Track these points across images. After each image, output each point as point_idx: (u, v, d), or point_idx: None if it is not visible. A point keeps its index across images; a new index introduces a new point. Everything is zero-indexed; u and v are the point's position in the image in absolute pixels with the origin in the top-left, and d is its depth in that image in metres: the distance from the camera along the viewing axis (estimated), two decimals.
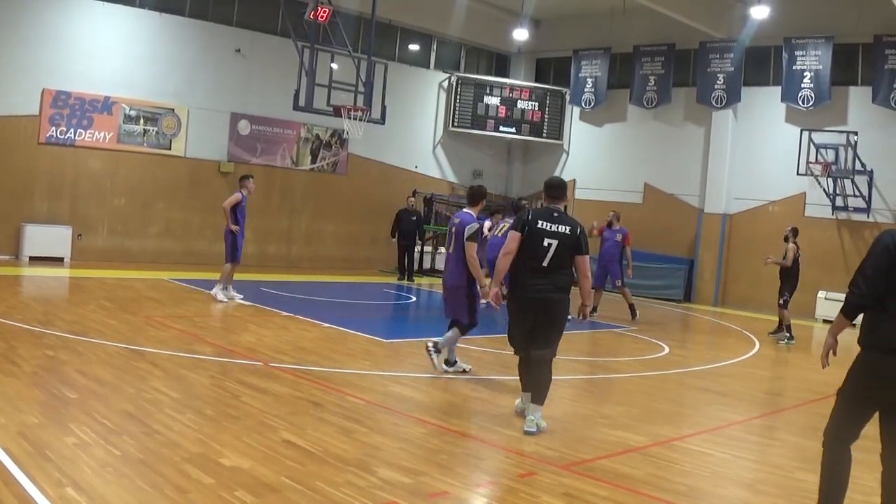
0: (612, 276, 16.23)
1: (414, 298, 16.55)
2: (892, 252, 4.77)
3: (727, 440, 7.57)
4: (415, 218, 20.20)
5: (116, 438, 5.89)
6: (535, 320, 7.41)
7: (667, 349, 13.07)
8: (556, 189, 7.66)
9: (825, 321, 18.67)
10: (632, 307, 16.07)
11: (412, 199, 21.35)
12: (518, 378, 7.90)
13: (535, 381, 7.41)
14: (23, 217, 17.10)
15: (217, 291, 13.81)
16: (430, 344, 9.53)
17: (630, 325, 15.37)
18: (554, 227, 7.33)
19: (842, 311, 4.98)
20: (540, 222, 7.35)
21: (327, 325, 12.26)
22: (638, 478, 6.10)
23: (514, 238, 7.38)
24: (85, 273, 16.03)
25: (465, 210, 9.63)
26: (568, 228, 7.38)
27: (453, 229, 9.46)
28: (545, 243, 7.30)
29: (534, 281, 7.34)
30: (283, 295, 15.13)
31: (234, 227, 13.68)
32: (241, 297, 14.00)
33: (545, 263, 7.32)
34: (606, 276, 16.26)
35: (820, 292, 18.87)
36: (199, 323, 11.58)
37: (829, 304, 18.78)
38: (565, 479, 5.92)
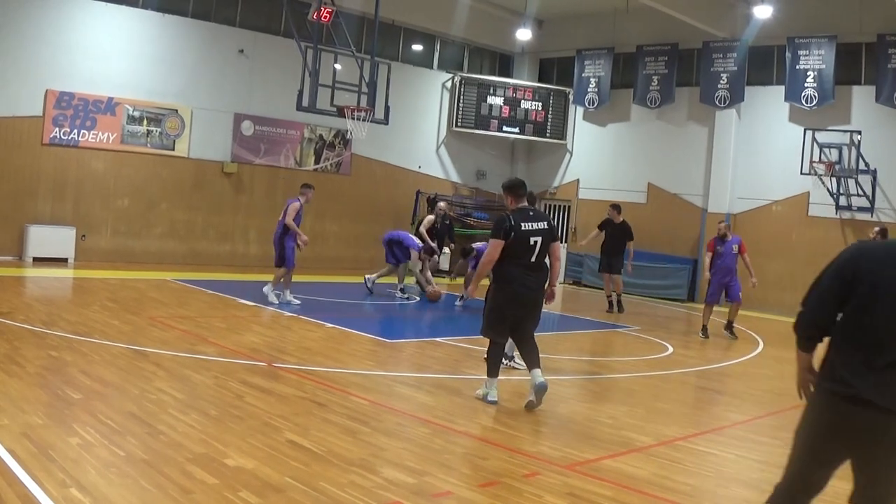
0: (732, 292, 14.64)
1: (417, 298, 16.53)
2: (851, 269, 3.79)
3: (731, 440, 7.57)
4: (448, 223, 18.69)
5: (120, 439, 5.90)
6: (525, 312, 8.08)
7: (670, 349, 13.06)
8: (523, 188, 8.29)
9: None
10: (730, 324, 14.91)
11: (443, 204, 18.76)
12: (488, 366, 8.23)
13: (533, 353, 8.11)
14: (26, 218, 17.11)
15: (273, 295, 13.99)
16: (505, 361, 10.08)
17: (632, 326, 15.35)
18: (535, 226, 8.00)
19: (797, 345, 4.00)
20: (523, 224, 7.93)
21: (331, 325, 12.27)
22: (642, 478, 6.10)
23: (497, 246, 7.89)
24: (88, 274, 16.05)
25: None
26: (545, 223, 8.13)
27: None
28: (531, 242, 7.93)
29: (525, 277, 7.97)
30: None
31: (304, 239, 13.97)
32: (278, 301, 14.02)
33: (534, 259, 7.96)
34: (723, 291, 14.64)
35: None
36: (203, 323, 11.58)
37: None
38: (569, 479, 5.92)
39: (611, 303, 17.44)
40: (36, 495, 4.69)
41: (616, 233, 17.48)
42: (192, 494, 4.96)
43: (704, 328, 14.74)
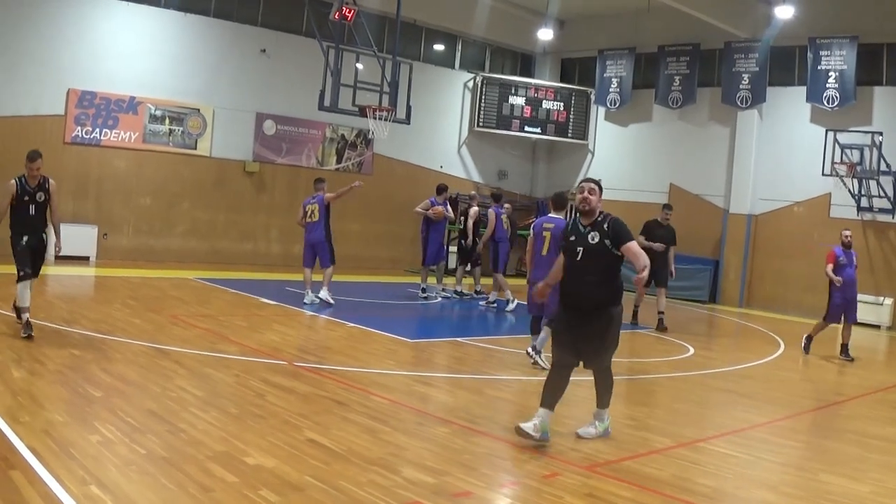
0: (852, 311, 13.16)
1: (438, 299, 16.49)
2: None
3: (751, 442, 7.52)
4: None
5: (141, 437, 5.93)
6: None
7: (691, 350, 13.00)
8: None
9: None
10: (845, 346, 13.15)
11: (508, 205, 18.04)
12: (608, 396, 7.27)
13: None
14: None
15: (326, 295, 13.97)
16: (531, 351, 10.09)
17: (653, 327, 15.23)
18: None
19: None
20: None
21: (352, 324, 12.28)
22: (662, 479, 6.08)
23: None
24: (110, 272, 16.15)
25: (552, 215, 10.27)
26: None
27: (546, 234, 9.88)
28: None
29: None
30: None
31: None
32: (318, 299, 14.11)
33: None
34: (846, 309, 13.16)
35: None
36: (224, 322, 11.63)
37: None
38: (589, 480, 5.91)
39: (660, 320, 14.97)
40: (57, 493, 4.72)
41: (663, 237, 15.32)
42: (212, 493, 4.98)
43: (809, 340, 13.40)
